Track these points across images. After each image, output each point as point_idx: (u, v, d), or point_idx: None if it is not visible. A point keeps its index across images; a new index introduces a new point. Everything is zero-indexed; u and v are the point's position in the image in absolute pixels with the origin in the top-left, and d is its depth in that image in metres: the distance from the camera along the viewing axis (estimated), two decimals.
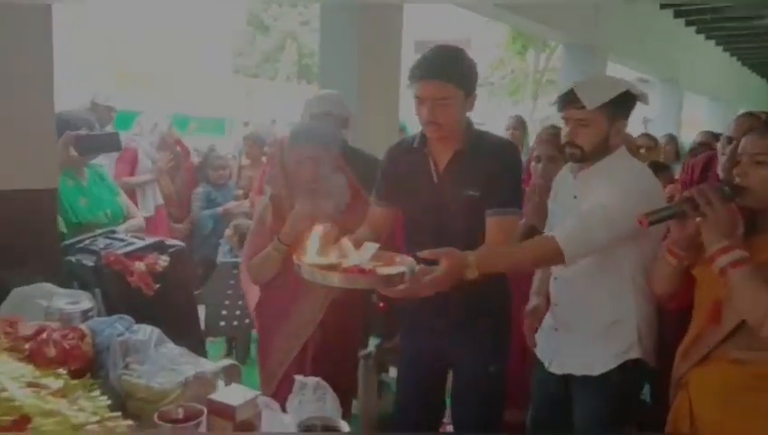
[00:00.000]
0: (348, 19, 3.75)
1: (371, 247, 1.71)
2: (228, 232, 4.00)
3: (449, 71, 1.84)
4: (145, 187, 4.05)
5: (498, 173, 1.91)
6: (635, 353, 1.89)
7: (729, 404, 1.52)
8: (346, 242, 1.74)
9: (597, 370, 1.92)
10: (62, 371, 1.15)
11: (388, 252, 1.76)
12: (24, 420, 0.96)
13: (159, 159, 4.19)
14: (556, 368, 2.02)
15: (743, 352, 1.49)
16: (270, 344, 2.32)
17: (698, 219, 1.52)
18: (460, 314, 1.97)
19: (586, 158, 1.90)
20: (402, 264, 1.69)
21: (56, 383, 1.02)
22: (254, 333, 3.82)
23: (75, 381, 1.08)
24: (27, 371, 1.02)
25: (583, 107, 1.83)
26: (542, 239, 1.88)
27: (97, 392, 1.09)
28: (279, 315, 2.26)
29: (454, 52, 1.91)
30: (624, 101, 1.87)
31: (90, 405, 1.01)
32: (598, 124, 1.85)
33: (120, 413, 1.11)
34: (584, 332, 1.96)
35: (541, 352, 2.10)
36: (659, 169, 2.96)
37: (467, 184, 1.91)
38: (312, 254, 1.69)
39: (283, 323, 2.25)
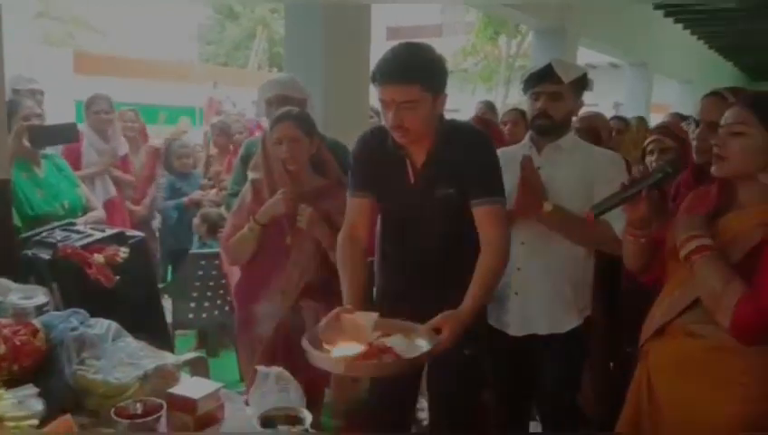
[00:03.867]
0: (314, 5, 3.67)
1: (370, 318, 1.63)
2: (196, 221, 3.91)
3: (413, 72, 1.67)
4: (94, 180, 3.62)
5: (475, 165, 1.82)
6: (589, 311, 2.11)
7: (683, 376, 1.54)
8: (346, 317, 1.65)
9: (564, 327, 2.07)
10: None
11: (383, 320, 1.67)
12: None
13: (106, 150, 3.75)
14: (515, 330, 2.10)
15: (699, 326, 1.51)
16: (243, 330, 2.34)
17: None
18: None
19: (554, 130, 2.06)
20: (403, 330, 1.66)
21: None
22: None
23: None
24: None
25: (559, 81, 2.01)
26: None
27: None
28: (252, 299, 2.27)
29: (418, 50, 1.74)
30: (584, 83, 2.11)
31: None
32: (568, 99, 2.06)
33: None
34: (547, 293, 2.06)
35: (497, 319, 2.13)
36: None
37: (443, 182, 1.82)
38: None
39: (255, 308, 2.26)
